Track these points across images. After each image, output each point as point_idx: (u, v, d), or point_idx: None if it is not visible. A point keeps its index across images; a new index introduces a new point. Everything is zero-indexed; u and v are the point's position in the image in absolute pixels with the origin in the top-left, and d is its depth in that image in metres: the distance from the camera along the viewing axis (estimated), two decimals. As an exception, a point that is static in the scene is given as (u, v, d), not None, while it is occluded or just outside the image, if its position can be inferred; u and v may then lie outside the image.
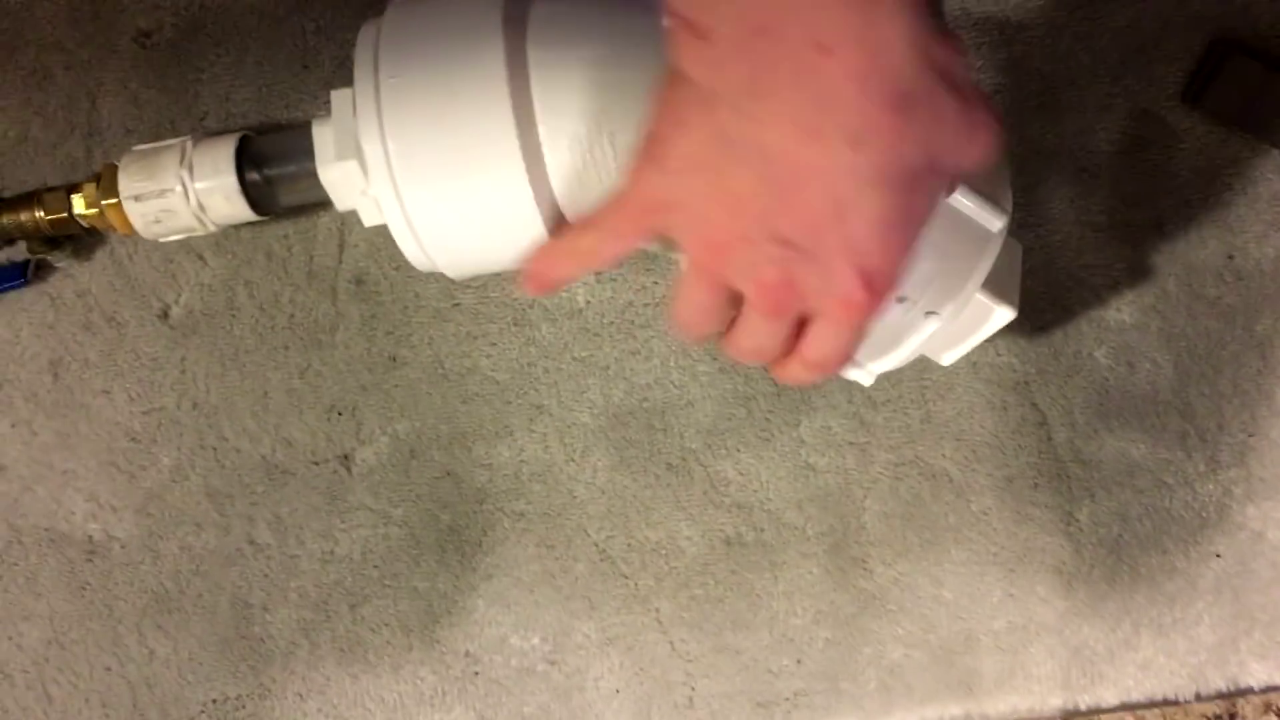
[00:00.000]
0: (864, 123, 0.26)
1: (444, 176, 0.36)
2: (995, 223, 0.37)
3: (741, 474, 0.49)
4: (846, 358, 0.33)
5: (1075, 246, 0.48)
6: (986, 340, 0.47)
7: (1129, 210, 0.48)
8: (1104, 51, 0.47)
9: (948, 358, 0.40)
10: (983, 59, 0.46)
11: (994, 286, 0.38)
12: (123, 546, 0.48)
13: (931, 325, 0.37)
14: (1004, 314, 0.38)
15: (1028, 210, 0.47)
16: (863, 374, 0.40)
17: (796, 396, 0.48)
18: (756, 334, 0.32)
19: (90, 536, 0.48)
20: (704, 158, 0.29)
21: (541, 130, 0.36)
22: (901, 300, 0.36)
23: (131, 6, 0.45)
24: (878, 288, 0.29)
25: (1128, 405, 0.49)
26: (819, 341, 0.32)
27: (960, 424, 0.49)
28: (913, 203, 0.28)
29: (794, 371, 0.34)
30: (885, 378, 0.47)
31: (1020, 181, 0.40)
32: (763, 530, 0.49)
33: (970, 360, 0.48)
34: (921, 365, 0.49)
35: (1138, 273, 0.48)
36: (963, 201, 0.36)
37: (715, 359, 0.48)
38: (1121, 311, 0.48)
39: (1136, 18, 0.46)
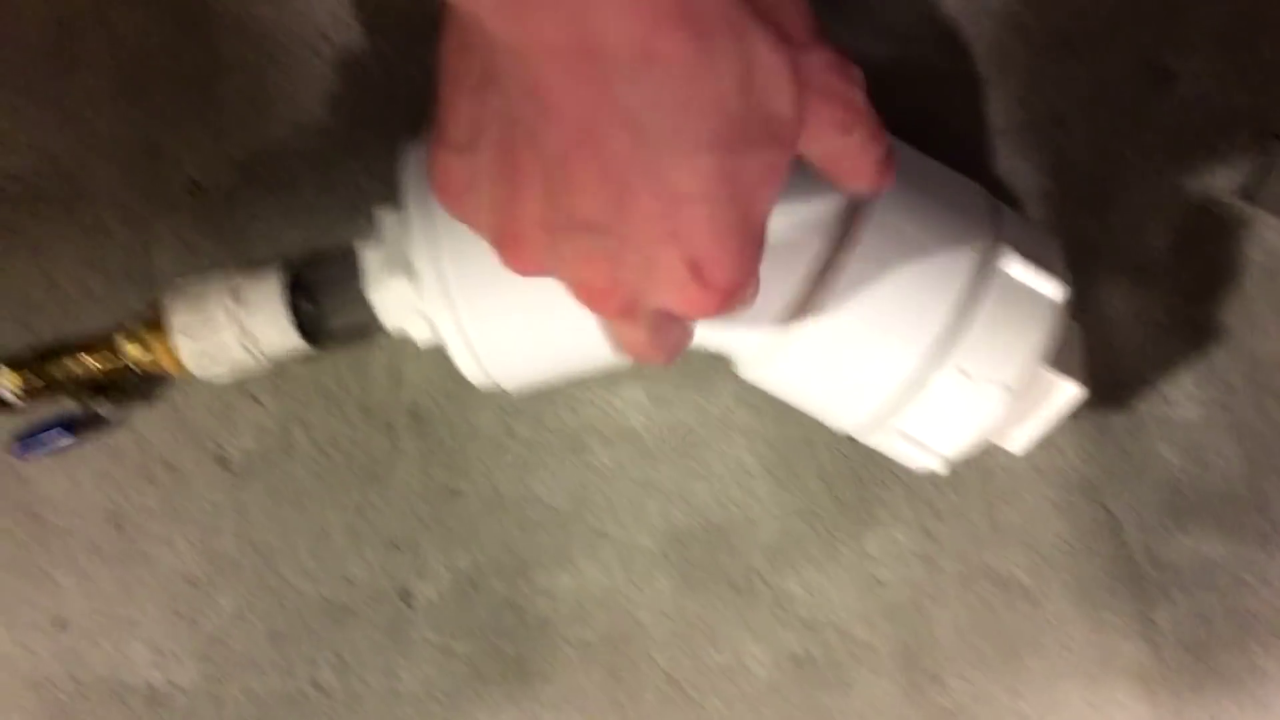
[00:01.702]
0: (639, 43, 0.21)
1: (498, 286, 0.37)
2: (1054, 290, 0.37)
3: (808, 591, 0.48)
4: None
5: (1136, 345, 0.48)
6: (1051, 442, 0.47)
7: (1189, 306, 0.47)
8: (1151, 149, 0.47)
9: (1018, 443, 0.40)
10: (1030, 162, 0.47)
11: (1061, 364, 0.38)
12: (185, 694, 0.48)
13: (997, 396, 0.37)
14: (1072, 390, 0.39)
15: (1084, 309, 0.47)
16: (934, 459, 0.39)
17: (860, 510, 0.48)
18: (622, 339, 0.29)
19: (153, 685, 0.48)
20: (482, 119, 0.26)
21: None
22: (966, 375, 0.36)
23: (185, 158, 0.46)
24: (713, 281, 0.25)
25: (1201, 504, 0.48)
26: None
27: (1029, 530, 0.48)
28: (739, 167, 0.24)
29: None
30: (949, 485, 0.47)
31: (1075, 281, 0.40)
32: (832, 648, 0.49)
33: (1035, 465, 0.48)
34: (985, 473, 0.48)
35: (1202, 369, 0.48)
36: (1018, 270, 0.37)
37: (775, 475, 0.48)
38: (1188, 409, 0.48)
39: (1183, 113, 0.47)
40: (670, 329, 0.29)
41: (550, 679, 0.49)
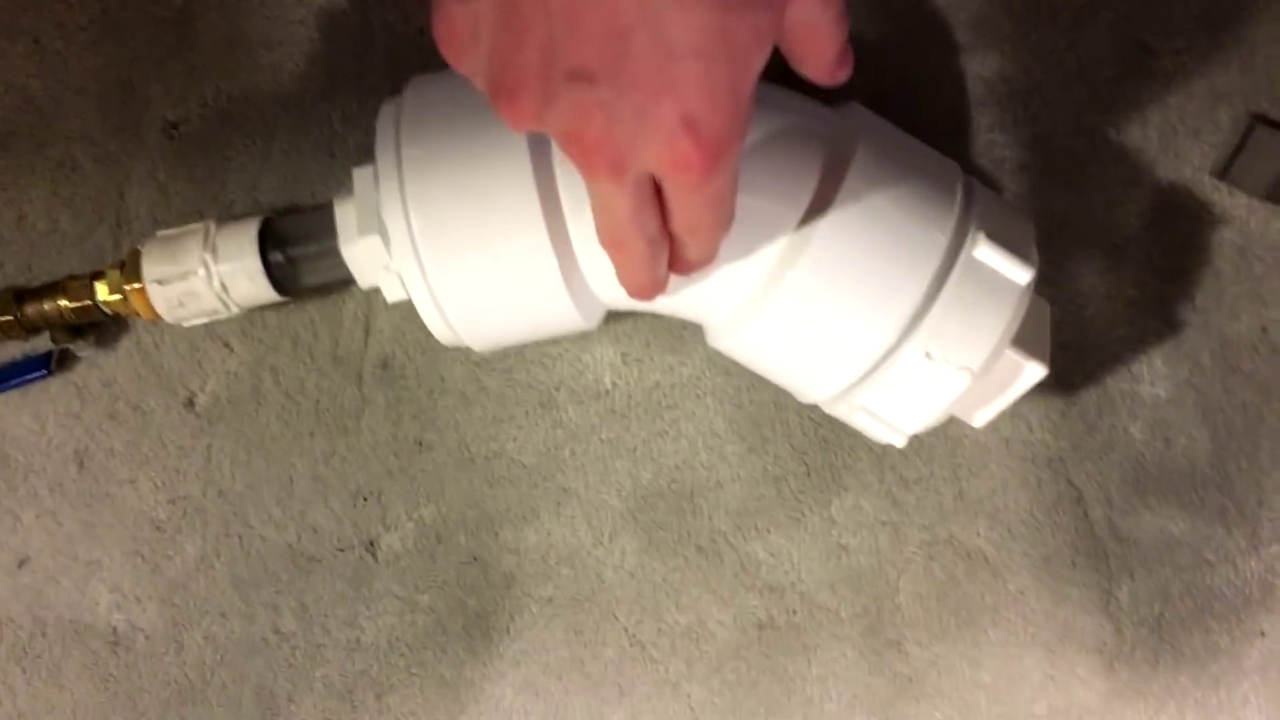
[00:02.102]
0: None
1: (467, 247, 0.37)
2: (1023, 275, 0.37)
3: (773, 555, 0.49)
4: (707, 232, 0.31)
5: (1107, 321, 0.48)
6: (1019, 415, 0.48)
7: (1161, 284, 0.48)
8: (1129, 127, 0.47)
9: (980, 418, 0.40)
10: (1008, 136, 0.47)
11: (1024, 343, 0.38)
12: (147, 637, 0.48)
13: (961, 381, 0.37)
14: (1035, 371, 0.39)
15: (1057, 286, 0.47)
16: (895, 435, 0.40)
17: (827, 476, 0.48)
18: (606, 210, 0.30)
19: (114, 627, 0.48)
20: None
21: (562, 191, 0.36)
22: (929, 356, 0.37)
23: (160, 98, 0.46)
24: (705, 136, 0.26)
25: (1165, 481, 0.49)
26: (674, 212, 0.30)
27: (994, 502, 0.49)
28: (734, 27, 0.25)
29: (689, 252, 0.32)
30: (917, 454, 0.47)
31: (1049, 256, 0.40)
32: (795, 613, 0.49)
33: (1003, 437, 0.48)
34: (953, 443, 0.49)
35: (1171, 347, 0.48)
36: (988, 254, 0.37)
37: (744, 439, 0.48)
38: (1156, 386, 0.48)
39: (1161, 94, 0.47)
40: (653, 223, 0.30)
41: (513, 634, 0.49)
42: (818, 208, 0.37)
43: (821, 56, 0.31)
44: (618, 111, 0.26)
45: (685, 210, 0.30)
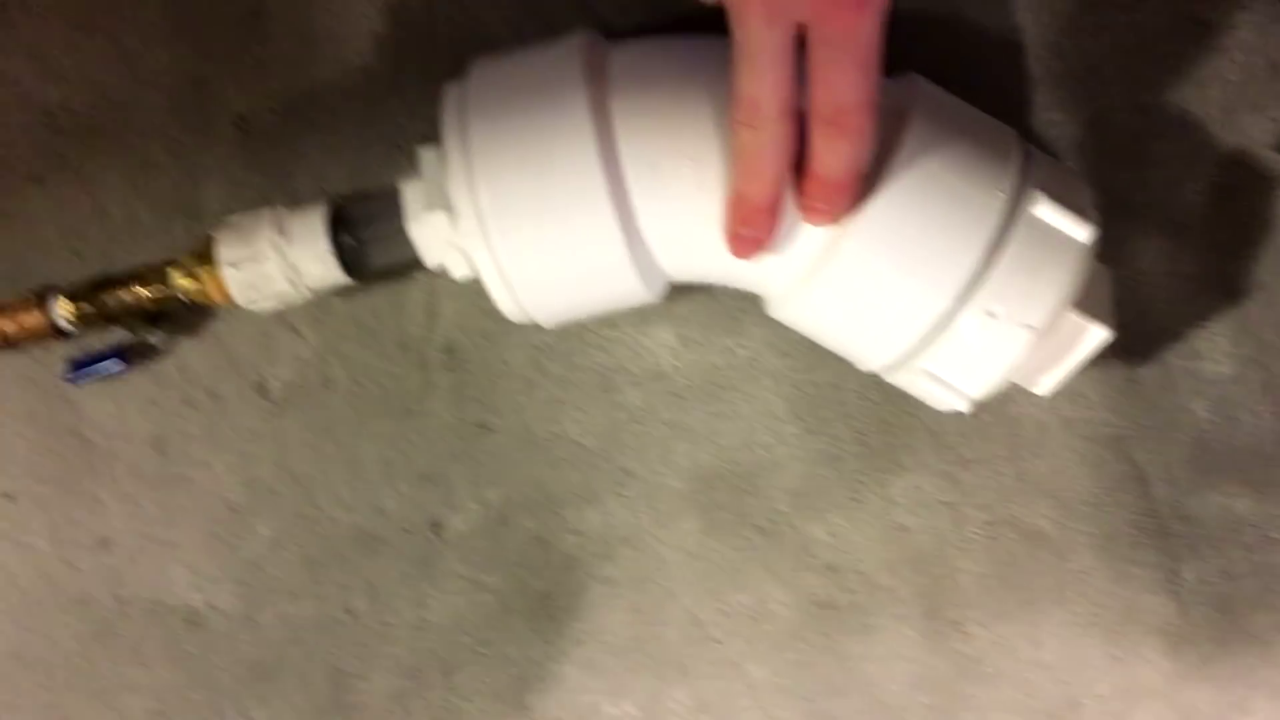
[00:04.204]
0: None
1: (532, 220, 0.39)
2: (1082, 233, 0.38)
3: (832, 536, 0.50)
4: (852, 118, 0.32)
5: (1168, 298, 0.49)
6: (1079, 394, 0.49)
7: (1223, 261, 0.48)
8: (1189, 103, 0.48)
9: (1044, 384, 0.41)
10: (1066, 113, 0.47)
11: (1087, 306, 0.39)
12: (222, 616, 0.51)
13: (1024, 339, 0.38)
14: (1099, 333, 0.40)
15: (1118, 264, 0.48)
16: (958, 399, 0.41)
17: (886, 456, 0.50)
18: (749, 61, 0.31)
19: (191, 606, 0.51)
20: None
21: (626, 164, 0.38)
22: (992, 315, 0.38)
23: (232, 94, 0.49)
24: None
25: (1229, 459, 0.49)
26: (819, 80, 0.31)
27: (1055, 481, 0.50)
28: None
29: (827, 161, 0.33)
30: (976, 434, 0.49)
31: (1109, 235, 0.41)
32: (855, 593, 0.50)
33: (1063, 416, 0.49)
34: (1012, 423, 0.50)
35: (1235, 323, 0.49)
36: (1047, 212, 0.38)
37: (802, 420, 0.50)
38: (1219, 363, 0.49)
39: (1220, 68, 0.47)
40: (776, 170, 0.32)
41: (576, 615, 0.51)
42: (876, 172, 0.38)
43: None
44: None
45: (829, 74, 0.31)
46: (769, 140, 0.34)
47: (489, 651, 0.51)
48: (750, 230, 0.37)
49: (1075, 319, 0.39)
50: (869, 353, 0.42)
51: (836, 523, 0.50)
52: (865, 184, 0.37)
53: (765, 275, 0.41)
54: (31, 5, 0.49)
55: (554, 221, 0.39)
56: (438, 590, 0.51)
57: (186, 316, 0.50)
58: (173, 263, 0.46)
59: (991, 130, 0.41)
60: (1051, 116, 0.48)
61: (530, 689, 0.51)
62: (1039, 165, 0.40)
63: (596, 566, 0.51)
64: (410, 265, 0.45)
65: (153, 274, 0.46)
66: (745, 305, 0.48)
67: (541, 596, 0.51)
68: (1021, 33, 0.47)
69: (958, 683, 0.51)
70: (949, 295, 0.38)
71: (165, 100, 0.49)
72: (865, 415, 0.50)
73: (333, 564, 0.51)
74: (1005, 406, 0.49)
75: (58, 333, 0.47)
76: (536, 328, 0.43)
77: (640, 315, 0.48)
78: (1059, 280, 0.38)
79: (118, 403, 0.50)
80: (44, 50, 0.49)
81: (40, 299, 0.46)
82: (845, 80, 0.32)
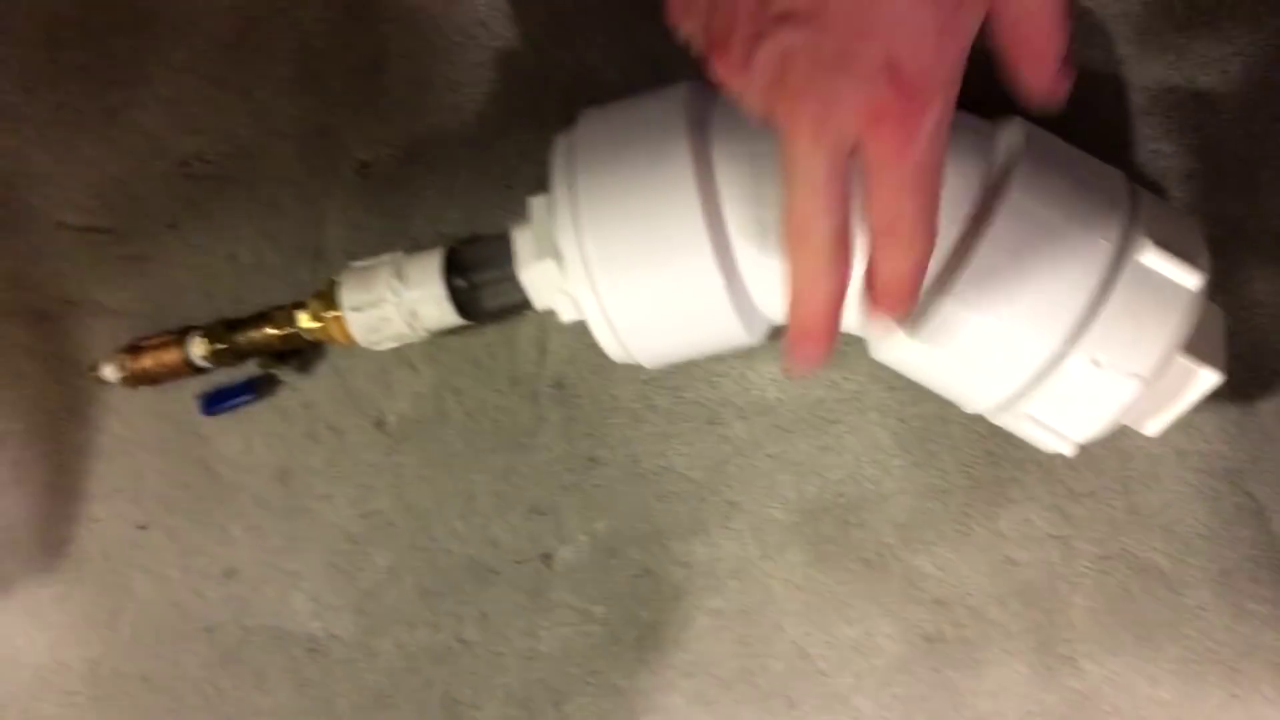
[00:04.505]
0: None
1: (637, 268, 0.40)
2: (1191, 280, 0.38)
3: (940, 569, 0.50)
4: (907, 230, 0.30)
5: (1284, 329, 0.48)
6: (1192, 427, 0.48)
7: (1341, 290, 0.48)
8: (1302, 130, 0.47)
9: (1152, 427, 0.41)
10: (1175, 144, 0.47)
11: (1197, 350, 0.39)
12: (342, 644, 0.52)
13: (1131, 388, 0.38)
14: (1209, 377, 0.39)
15: (1230, 294, 0.48)
16: (1063, 443, 0.41)
17: (994, 489, 0.50)
18: (799, 178, 0.30)
19: (312, 634, 0.52)
20: None
21: (728, 214, 0.39)
22: (1097, 364, 0.38)
23: (354, 141, 0.51)
24: (906, 81, 0.27)
25: (1352, 492, 0.48)
26: (873, 196, 0.30)
27: (1169, 515, 0.49)
28: None
29: (885, 268, 0.31)
30: (1086, 467, 0.48)
31: (1220, 265, 0.41)
32: (964, 626, 0.50)
33: (1176, 449, 0.49)
34: (1124, 455, 0.49)
35: (1355, 354, 0.48)
36: (1154, 260, 0.38)
37: (909, 453, 0.50)
38: (1339, 395, 0.48)
39: (1336, 95, 0.47)
40: (836, 265, 0.31)
41: (684, 645, 0.51)
42: (980, 219, 0.38)
43: (1040, 56, 0.30)
44: (822, 55, 0.27)
45: (885, 189, 0.30)
46: (822, 265, 0.32)
47: (598, 682, 0.52)
48: (803, 351, 0.34)
49: (1185, 363, 0.39)
50: (972, 396, 0.42)
51: (944, 556, 0.50)
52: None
53: (870, 321, 0.42)
54: (169, 62, 0.52)
55: (657, 270, 0.40)
56: (548, 620, 0.52)
57: (309, 353, 0.52)
58: (299, 305, 0.48)
59: (1098, 173, 0.41)
60: (1160, 148, 0.48)
61: (638, 719, 0.52)
62: (1147, 210, 0.40)
63: (704, 598, 0.51)
64: (521, 307, 0.46)
65: (281, 316, 0.48)
66: (850, 339, 0.49)
67: (649, 627, 0.52)
68: (1127, 66, 0.48)
69: (1071, 719, 0.50)
70: (1053, 343, 0.38)
71: (292, 148, 0.52)
72: (972, 448, 0.50)
73: (447, 594, 0.52)
74: (1116, 439, 0.49)
75: (193, 369, 0.49)
76: (641, 366, 0.44)
77: (746, 350, 0.49)
78: (1166, 328, 0.38)
79: (244, 437, 0.53)
80: (180, 104, 0.52)
81: (180, 338, 0.49)
82: (900, 199, 0.30)
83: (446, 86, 0.51)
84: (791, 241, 0.32)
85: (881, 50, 0.27)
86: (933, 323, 0.39)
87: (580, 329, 0.48)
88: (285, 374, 0.51)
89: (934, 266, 0.39)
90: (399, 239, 0.51)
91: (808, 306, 0.33)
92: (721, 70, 0.30)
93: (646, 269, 0.40)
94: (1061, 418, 0.40)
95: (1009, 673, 0.50)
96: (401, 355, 0.52)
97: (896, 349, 0.42)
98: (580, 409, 0.51)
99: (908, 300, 0.33)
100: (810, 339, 0.33)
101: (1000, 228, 0.38)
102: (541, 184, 0.44)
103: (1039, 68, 0.30)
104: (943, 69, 0.28)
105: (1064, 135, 0.42)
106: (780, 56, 0.28)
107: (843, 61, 0.27)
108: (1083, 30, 0.48)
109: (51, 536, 0.54)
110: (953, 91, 0.29)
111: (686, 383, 0.51)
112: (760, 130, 0.40)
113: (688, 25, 0.32)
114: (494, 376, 0.52)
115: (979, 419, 0.46)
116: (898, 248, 0.32)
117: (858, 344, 0.49)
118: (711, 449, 0.51)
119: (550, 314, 0.49)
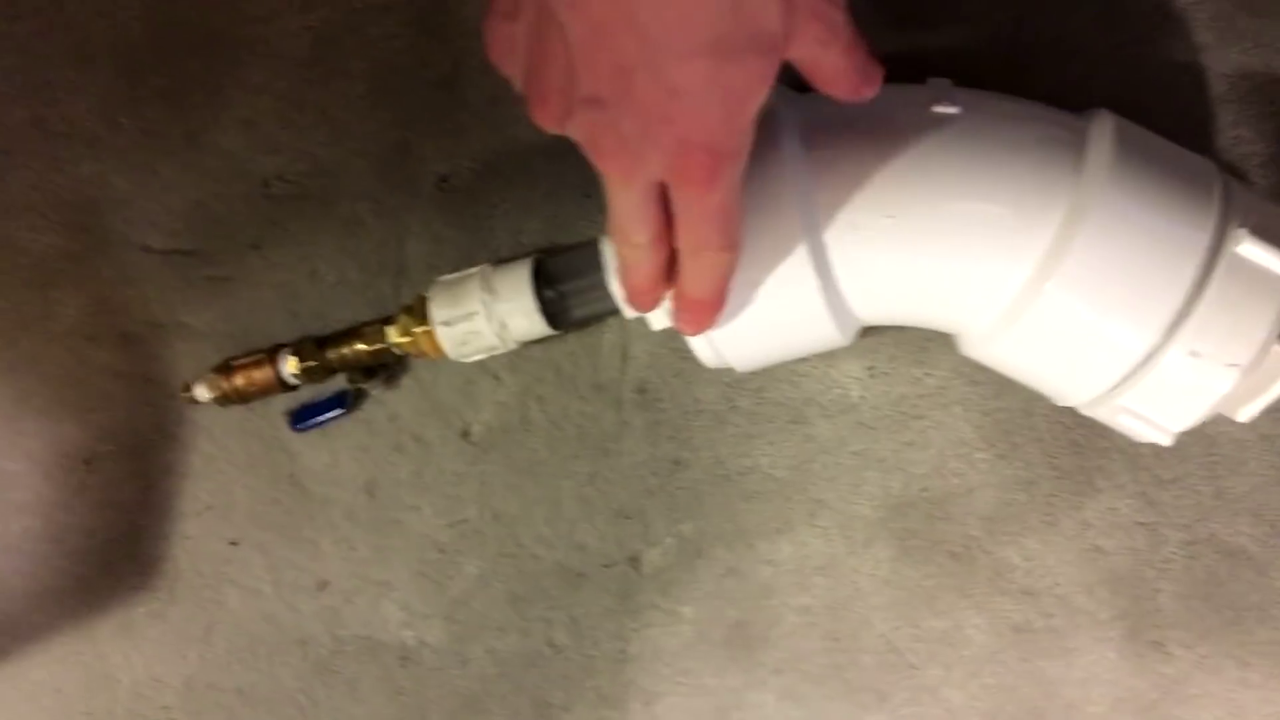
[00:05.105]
0: None
1: (734, 275, 0.40)
2: None
3: (1027, 559, 0.51)
4: (710, 256, 0.35)
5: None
6: (1278, 410, 0.48)
7: None
8: (1380, 111, 0.47)
9: (1244, 413, 0.42)
10: (1252, 130, 0.48)
11: None
12: (433, 652, 0.53)
13: (1229, 378, 0.38)
14: None
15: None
16: (1160, 434, 0.41)
17: (1079, 478, 0.50)
18: (614, 203, 0.34)
19: (404, 643, 0.53)
20: (539, 7, 0.31)
21: (824, 222, 0.40)
22: (1195, 355, 0.38)
23: (432, 156, 0.52)
24: (701, 156, 0.31)
25: None
26: (679, 225, 0.34)
27: (1256, 498, 0.49)
28: (729, 71, 0.30)
29: (689, 287, 0.37)
30: (1171, 453, 0.49)
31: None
32: (1052, 616, 0.51)
33: (1261, 433, 0.49)
34: (1208, 441, 0.50)
35: None
36: (1251, 250, 0.38)
37: (993, 446, 0.50)
38: None
39: None
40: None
41: (772, 643, 0.52)
42: (1074, 215, 0.39)
43: (837, 83, 0.35)
44: (625, 131, 0.31)
45: (688, 223, 0.34)
46: (640, 256, 0.36)
47: (688, 681, 0.53)
48: (638, 303, 0.39)
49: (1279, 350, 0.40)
50: (1068, 391, 0.42)
51: (1031, 546, 0.51)
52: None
53: (962, 316, 0.42)
54: (245, 83, 0.53)
55: (753, 277, 0.41)
56: (637, 622, 0.53)
57: (393, 366, 0.53)
58: (388, 320, 0.49)
59: (1190, 165, 0.41)
60: (1239, 134, 0.48)
61: (729, 718, 0.52)
62: (1242, 201, 0.40)
63: (791, 596, 0.52)
64: (609, 315, 0.47)
65: (371, 331, 0.49)
66: (932, 334, 0.49)
67: (738, 626, 0.52)
68: (1205, 53, 0.48)
69: (1161, 704, 0.51)
70: (1152, 336, 0.39)
71: (371, 165, 0.53)
72: (1057, 439, 0.50)
73: (536, 599, 0.53)
74: (1201, 425, 0.49)
75: (283, 386, 0.50)
76: (732, 369, 0.45)
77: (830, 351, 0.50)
78: (1264, 319, 0.38)
79: (332, 451, 0.53)
80: (259, 124, 0.53)
81: (270, 356, 0.50)
82: (701, 229, 0.34)
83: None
84: (615, 239, 0.36)
85: (676, 133, 0.30)
86: (1028, 320, 0.40)
87: (663, 333, 0.49)
88: (373, 388, 0.52)
89: (1030, 263, 0.39)
90: (480, 251, 0.52)
91: (633, 280, 0.37)
92: (539, 118, 0.33)
93: (741, 277, 0.41)
94: (1160, 409, 0.41)
95: (1098, 660, 0.51)
96: (485, 365, 0.52)
97: (989, 346, 0.42)
98: (664, 413, 0.52)
99: (709, 315, 0.38)
100: (638, 302, 0.38)
101: (1095, 223, 0.38)
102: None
103: (840, 88, 0.35)
104: (733, 138, 0.32)
105: (1143, 123, 0.42)
106: (589, 126, 0.32)
107: (645, 138, 0.31)
108: (1159, 19, 0.48)
109: (145, 555, 0.54)
110: (746, 147, 0.32)
111: (769, 383, 0.52)
112: (850, 130, 0.41)
113: (507, 69, 0.35)
114: (577, 383, 0.52)
115: (1063, 409, 0.47)
116: (700, 271, 0.36)
117: (939, 339, 0.50)
118: (796, 448, 0.52)
119: (632, 320, 0.49)
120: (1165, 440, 0.42)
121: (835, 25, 0.32)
